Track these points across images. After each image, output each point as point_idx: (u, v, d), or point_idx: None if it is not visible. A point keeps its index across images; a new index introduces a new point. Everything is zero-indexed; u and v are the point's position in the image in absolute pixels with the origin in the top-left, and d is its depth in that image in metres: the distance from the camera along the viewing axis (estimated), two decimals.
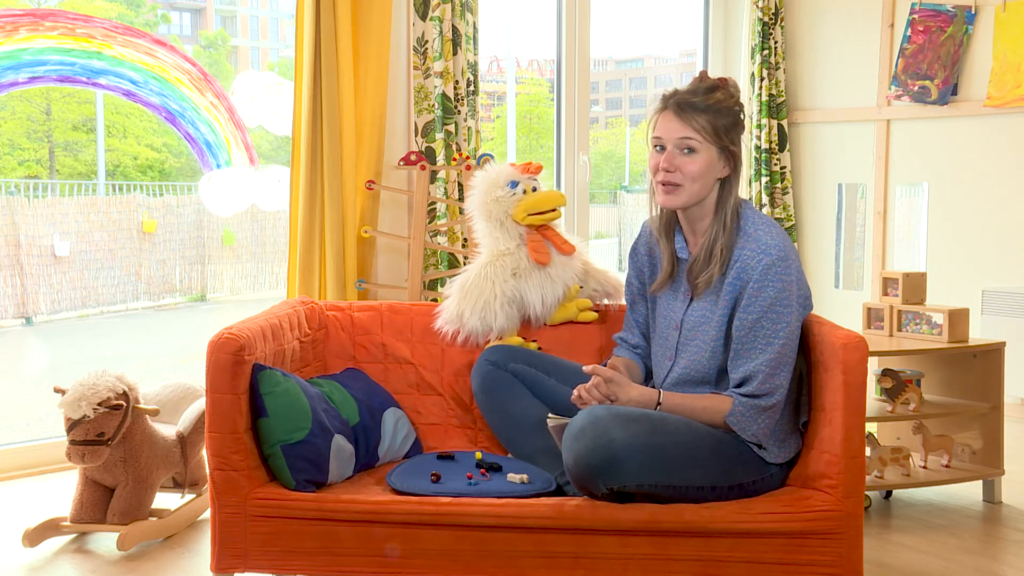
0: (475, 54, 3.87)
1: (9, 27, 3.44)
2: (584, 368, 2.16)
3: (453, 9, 3.71)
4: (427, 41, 3.69)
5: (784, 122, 4.96)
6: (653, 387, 2.30)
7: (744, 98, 4.98)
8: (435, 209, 3.73)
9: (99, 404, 2.56)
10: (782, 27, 4.93)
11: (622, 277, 2.68)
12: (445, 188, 3.73)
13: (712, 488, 2.10)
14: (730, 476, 2.12)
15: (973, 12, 4.42)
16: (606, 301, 2.80)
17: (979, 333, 4.09)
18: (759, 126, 4.90)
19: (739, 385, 2.14)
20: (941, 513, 3.00)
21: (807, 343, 2.22)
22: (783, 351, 2.12)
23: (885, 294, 3.27)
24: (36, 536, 2.65)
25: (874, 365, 3.04)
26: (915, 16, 4.58)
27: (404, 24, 3.73)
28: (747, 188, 4.95)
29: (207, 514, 2.92)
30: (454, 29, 3.72)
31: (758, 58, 4.87)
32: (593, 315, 2.76)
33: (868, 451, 3.01)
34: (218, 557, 2.16)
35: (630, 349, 2.48)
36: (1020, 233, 4.33)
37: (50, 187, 9.78)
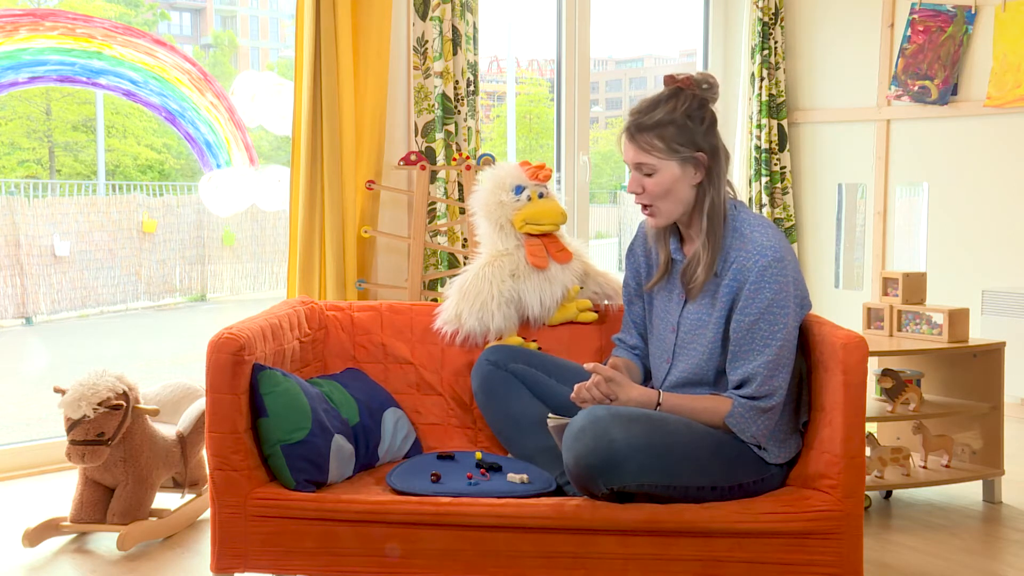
0: (475, 54, 3.87)
1: (9, 27, 3.44)
2: (586, 366, 2.16)
3: (453, 9, 3.71)
4: (427, 41, 3.69)
5: (784, 122, 4.96)
6: (652, 388, 2.30)
7: (744, 98, 4.97)
8: (435, 209, 3.73)
9: (99, 404, 2.56)
10: (782, 27, 4.93)
11: (622, 278, 2.68)
12: (445, 188, 3.73)
13: (712, 488, 2.10)
14: (730, 476, 2.12)
15: (973, 12, 4.42)
16: (606, 302, 2.80)
17: (979, 333, 4.09)
18: (759, 126, 4.90)
19: (738, 387, 2.14)
20: (941, 513, 3.00)
21: (807, 343, 2.22)
22: (781, 352, 2.12)
23: (885, 294, 3.27)
24: (36, 536, 2.65)
25: (874, 365, 3.04)
26: (915, 16, 4.58)
27: (404, 24, 3.73)
28: (747, 188, 4.95)
29: (207, 514, 2.92)
30: (454, 29, 3.72)
31: (758, 58, 4.87)
32: (593, 316, 2.76)
33: (868, 451, 3.01)
34: (218, 557, 2.16)
35: (628, 350, 2.48)
36: (1020, 233, 4.33)
37: (50, 187, 9.78)
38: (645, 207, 2.23)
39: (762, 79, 4.88)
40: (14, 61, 3.51)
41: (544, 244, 2.71)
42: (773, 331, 2.10)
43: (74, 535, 2.76)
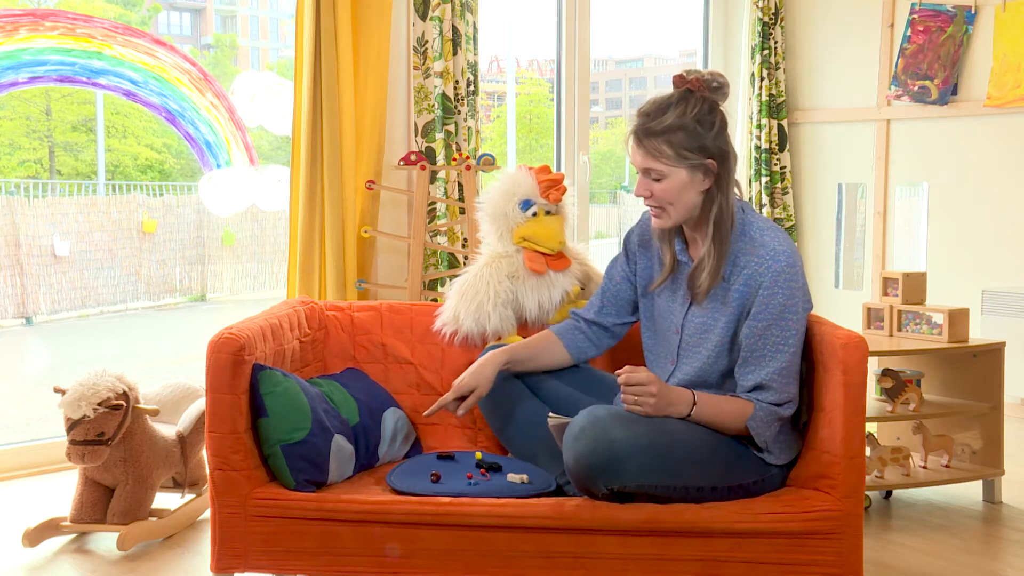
0: (475, 54, 3.87)
1: (9, 27, 3.44)
2: (618, 379, 2.10)
3: (453, 9, 3.71)
4: (427, 41, 3.69)
5: (784, 122, 4.96)
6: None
7: (744, 98, 4.97)
8: (435, 209, 3.73)
9: (99, 404, 2.56)
10: (782, 27, 4.93)
11: None
12: (445, 188, 3.73)
13: (712, 489, 2.10)
14: (730, 477, 2.12)
15: (973, 12, 4.42)
16: None
17: (979, 333, 4.09)
18: (759, 126, 4.90)
19: (751, 391, 2.14)
20: (941, 513, 3.00)
21: (807, 343, 2.22)
22: (793, 359, 2.12)
23: (885, 294, 3.27)
24: (36, 536, 2.65)
25: (874, 365, 3.04)
26: (915, 16, 4.58)
27: (404, 24, 3.73)
28: (747, 188, 4.95)
29: (207, 514, 2.92)
30: (454, 29, 3.72)
31: (758, 58, 4.87)
32: None
33: (868, 451, 3.01)
34: (218, 557, 2.16)
35: (575, 324, 2.46)
36: (1020, 233, 4.33)
37: (50, 187, 9.79)
38: (651, 208, 2.21)
39: (762, 79, 4.88)
40: (14, 61, 3.51)
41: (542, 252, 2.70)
42: (785, 336, 2.10)
43: (74, 535, 2.76)
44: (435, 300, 3.57)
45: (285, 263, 5.57)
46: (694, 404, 2.12)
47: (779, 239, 2.14)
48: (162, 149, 11.55)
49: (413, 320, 2.76)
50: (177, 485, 2.93)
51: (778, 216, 4.96)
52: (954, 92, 4.48)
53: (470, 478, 2.26)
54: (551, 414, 2.19)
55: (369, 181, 3.60)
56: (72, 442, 2.56)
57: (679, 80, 2.17)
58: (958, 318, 3.07)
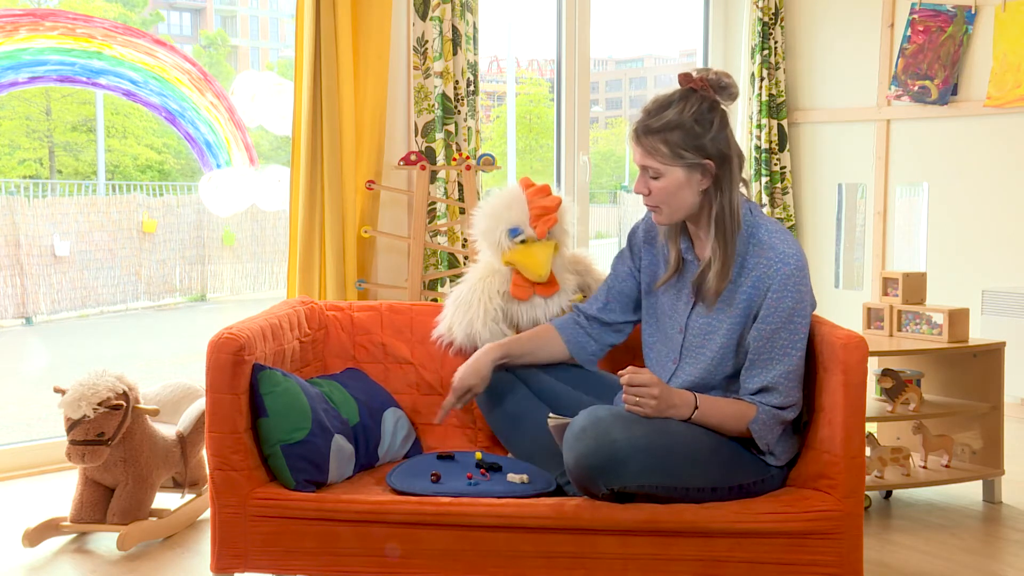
0: (475, 54, 3.87)
1: (9, 27, 3.44)
2: (621, 380, 2.11)
3: (453, 9, 3.71)
4: (427, 41, 3.69)
5: (784, 122, 4.96)
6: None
7: (744, 98, 4.97)
8: (435, 209, 3.73)
9: (99, 404, 2.56)
10: (782, 27, 4.93)
11: None
12: (445, 188, 3.73)
13: (712, 489, 2.10)
14: (730, 477, 2.12)
15: (973, 12, 4.42)
16: None
17: (979, 333, 4.08)
18: (759, 126, 4.90)
19: (755, 393, 2.13)
20: (941, 513, 3.00)
21: (807, 343, 2.22)
22: (800, 362, 2.13)
23: (885, 294, 3.27)
24: (36, 536, 2.65)
25: (874, 365, 3.04)
26: (915, 16, 4.58)
27: (404, 24, 3.73)
28: (747, 188, 4.95)
29: (207, 514, 2.92)
30: (454, 29, 3.72)
31: (758, 58, 4.87)
32: None
33: (868, 451, 3.01)
34: (218, 557, 2.16)
35: (575, 319, 2.45)
36: (1020, 233, 4.33)
37: (50, 187, 9.79)
38: (650, 206, 2.21)
39: (762, 79, 4.88)
40: (14, 61, 3.51)
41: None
42: (793, 340, 2.11)
43: (74, 535, 2.76)
44: (435, 300, 3.57)
45: (285, 263, 5.57)
46: (696, 407, 2.12)
47: (788, 242, 2.14)
48: (162, 149, 11.56)
49: (413, 320, 2.76)
50: (177, 485, 2.93)
51: (778, 216, 4.96)
52: (954, 92, 4.48)
53: (470, 478, 2.26)
54: (551, 414, 2.19)
55: (369, 181, 3.60)
56: (72, 442, 2.56)
57: (684, 79, 2.16)
58: (958, 318, 3.07)
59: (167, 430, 2.84)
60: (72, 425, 2.56)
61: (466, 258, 3.66)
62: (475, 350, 2.62)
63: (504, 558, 2.09)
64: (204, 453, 2.66)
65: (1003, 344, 3.10)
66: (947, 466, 3.10)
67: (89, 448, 2.55)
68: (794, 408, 2.14)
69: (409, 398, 2.69)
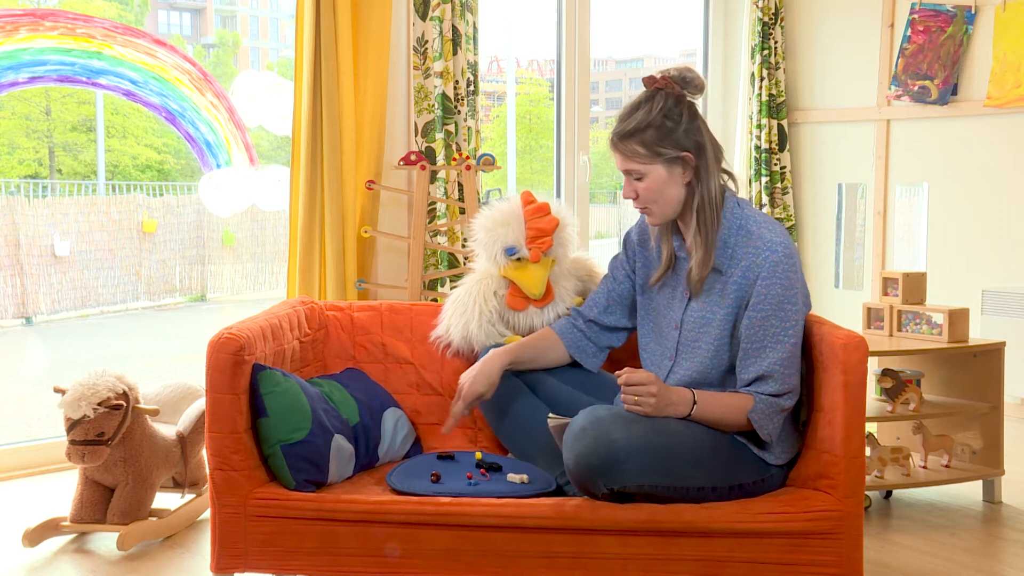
0: (475, 54, 3.87)
1: (9, 27, 3.45)
2: (618, 380, 2.12)
3: (453, 9, 3.71)
4: (427, 41, 3.69)
5: (784, 122, 4.96)
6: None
7: (744, 98, 4.97)
8: (435, 209, 3.73)
9: (99, 404, 2.56)
10: (782, 27, 4.93)
11: None
12: (445, 188, 3.73)
13: (712, 489, 2.10)
14: (730, 477, 2.12)
15: (973, 12, 4.42)
16: None
17: (979, 333, 4.08)
18: (759, 126, 4.90)
19: (750, 384, 2.14)
20: (941, 513, 3.00)
21: (807, 343, 2.22)
22: (794, 350, 2.13)
23: (885, 294, 3.27)
24: (36, 536, 2.65)
25: (874, 365, 3.04)
26: (915, 16, 4.58)
27: (404, 24, 3.73)
28: (747, 188, 4.95)
29: (207, 514, 2.92)
30: (454, 29, 3.72)
31: (758, 58, 4.87)
32: None
33: (868, 451, 3.01)
34: (218, 557, 2.16)
35: (573, 323, 2.46)
36: (1020, 233, 4.33)
37: (50, 187, 9.79)
38: (641, 209, 2.25)
39: (762, 79, 4.88)
40: (14, 61, 3.51)
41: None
42: (785, 327, 2.11)
43: (74, 535, 2.76)
44: (435, 300, 3.57)
45: (285, 263, 5.57)
46: (694, 403, 2.12)
47: (776, 231, 2.16)
48: (162, 149, 11.56)
49: (413, 320, 2.76)
50: (177, 485, 2.93)
51: (778, 216, 4.96)
52: (954, 92, 4.48)
53: (470, 478, 2.26)
54: (551, 414, 2.20)
55: (369, 181, 3.60)
56: (72, 442, 2.56)
57: (648, 81, 2.22)
58: (958, 318, 3.07)
59: (167, 430, 2.84)
60: (72, 425, 2.56)
61: (466, 258, 3.66)
62: (471, 352, 2.63)
63: (504, 558, 2.09)
64: (204, 453, 2.66)
65: (1003, 344, 3.10)
66: (947, 466, 3.10)
67: (89, 448, 2.55)
68: (791, 395, 2.13)
69: (409, 398, 2.69)
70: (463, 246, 3.76)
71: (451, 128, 3.73)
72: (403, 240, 3.65)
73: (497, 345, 2.58)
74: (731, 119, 5.13)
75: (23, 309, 8.14)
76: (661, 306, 2.33)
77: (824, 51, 4.95)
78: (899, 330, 3.21)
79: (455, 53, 3.74)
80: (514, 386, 2.44)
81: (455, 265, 3.76)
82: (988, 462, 3.10)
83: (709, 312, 2.20)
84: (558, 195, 4.56)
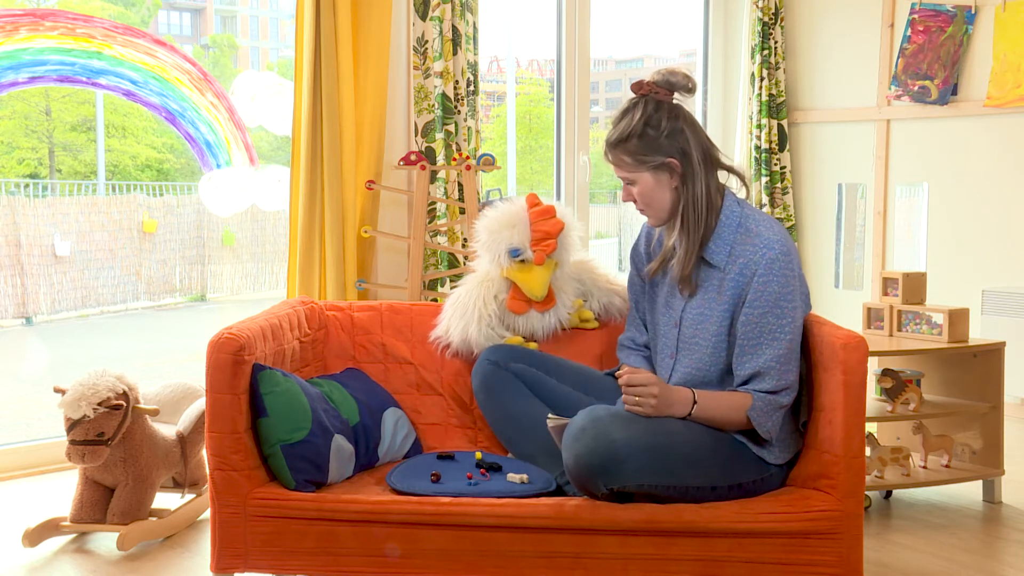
0: (475, 54, 3.87)
1: (9, 27, 3.45)
2: (619, 380, 2.12)
3: (453, 9, 3.71)
4: (427, 41, 3.69)
5: (784, 122, 4.96)
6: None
7: (744, 98, 4.97)
8: (435, 209, 3.73)
9: (99, 404, 2.56)
10: (782, 27, 4.93)
11: (623, 279, 2.67)
12: (445, 188, 3.73)
13: (712, 488, 2.10)
14: (730, 476, 2.12)
15: (973, 12, 4.42)
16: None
17: (979, 333, 4.08)
18: (759, 126, 4.90)
19: (747, 381, 2.14)
20: (941, 513, 3.00)
21: (807, 343, 2.22)
22: (791, 347, 2.13)
23: (885, 294, 3.27)
24: (36, 536, 2.65)
25: (874, 365, 3.04)
26: (915, 16, 4.58)
27: (404, 24, 3.73)
28: (747, 185, 4.95)
29: (207, 514, 2.92)
30: (454, 29, 3.72)
31: (758, 58, 4.87)
32: (596, 323, 2.75)
33: (868, 451, 3.01)
34: (218, 557, 2.16)
35: (637, 350, 2.48)
36: (1020, 233, 4.33)
37: (50, 187, 9.79)
38: (641, 211, 2.29)
39: (762, 79, 4.88)
40: (14, 61, 3.51)
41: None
42: (782, 324, 2.11)
43: (74, 535, 2.76)
44: (435, 300, 3.57)
45: (285, 263, 5.58)
46: (694, 401, 2.12)
47: (774, 229, 2.17)
48: (162, 149, 11.56)
49: (413, 320, 2.76)
50: (177, 485, 2.94)
51: (778, 216, 4.96)
52: (954, 92, 4.48)
53: (470, 478, 2.26)
54: (550, 414, 2.20)
55: (369, 181, 3.60)
56: (72, 442, 2.56)
57: (634, 87, 2.25)
58: (958, 318, 3.07)
59: (167, 430, 2.84)
60: (72, 425, 2.56)
61: (466, 258, 3.66)
62: (471, 353, 2.63)
63: (504, 558, 2.09)
64: (204, 453, 2.66)
65: (1003, 344, 3.10)
66: (947, 466, 3.10)
67: (89, 448, 2.55)
68: (788, 392, 2.14)
69: (409, 398, 2.69)
70: (463, 246, 3.76)
71: (451, 128, 3.73)
72: (403, 240, 3.65)
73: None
74: (731, 119, 5.13)
75: (23, 309, 8.14)
76: (662, 306, 2.35)
77: (824, 51, 4.95)
78: (899, 330, 3.21)
79: (455, 53, 3.74)
80: (514, 386, 2.44)
81: (455, 265, 3.76)
82: (988, 462, 3.10)
83: (707, 309, 2.21)
84: (558, 195, 4.56)
